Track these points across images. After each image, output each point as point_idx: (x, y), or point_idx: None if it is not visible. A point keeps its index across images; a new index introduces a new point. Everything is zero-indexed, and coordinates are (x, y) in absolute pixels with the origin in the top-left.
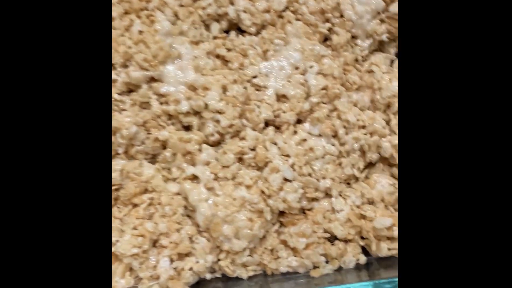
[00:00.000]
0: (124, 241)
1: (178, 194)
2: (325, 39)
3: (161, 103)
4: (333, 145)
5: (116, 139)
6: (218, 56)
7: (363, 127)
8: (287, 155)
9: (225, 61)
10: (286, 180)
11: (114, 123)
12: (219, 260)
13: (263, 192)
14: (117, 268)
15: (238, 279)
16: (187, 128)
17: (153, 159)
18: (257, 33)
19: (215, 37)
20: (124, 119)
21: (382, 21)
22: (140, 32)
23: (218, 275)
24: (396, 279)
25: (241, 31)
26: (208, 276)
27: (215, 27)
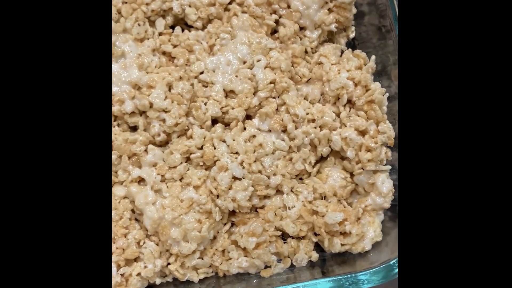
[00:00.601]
0: None
1: (125, 197)
2: (273, 32)
3: None
4: (283, 140)
5: None
6: (163, 53)
7: (313, 120)
8: (236, 153)
9: (171, 57)
10: (235, 178)
11: None
12: (168, 264)
13: (211, 192)
14: None
15: (189, 282)
16: (133, 128)
17: None
18: (203, 27)
19: (160, 34)
20: None
21: (330, 10)
22: None
23: (169, 279)
24: (350, 276)
25: (187, 26)
26: (158, 281)
27: (160, 23)
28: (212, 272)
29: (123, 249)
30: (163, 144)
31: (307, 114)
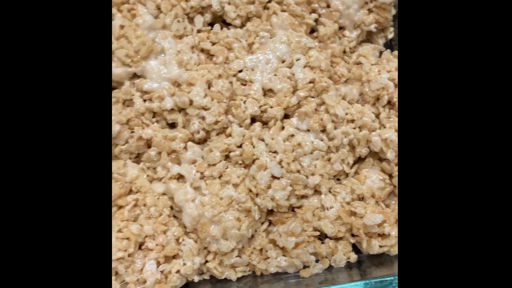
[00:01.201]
0: None
1: (164, 194)
2: (312, 31)
3: (145, 100)
4: (322, 140)
5: None
6: (202, 50)
7: (352, 121)
8: (275, 152)
9: (209, 55)
10: (274, 177)
11: None
12: (206, 261)
13: (250, 190)
14: None
15: (227, 280)
16: (172, 125)
17: (137, 158)
18: (242, 25)
19: (199, 31)
20: None
21: (370, 10)
22: (122, 26)
23: (206, 277)
24: (388, 278)
25: (225, 24)
26: (196, 278)
27: (199, 20)
28: (249, 270)
29: (163, 245)
30: (201, 142)
31: (346, 114)
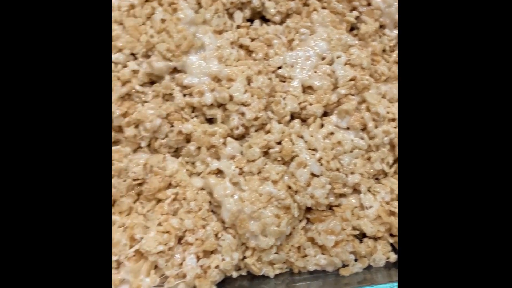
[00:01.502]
0: (149, 238)
1: (202, 189)
2: (352, 28)
3: (184, 95)
4: (362, 138)
5: (139, 132)
6: (241, 46)
7: (393, 120)
8: (314, 149)
9: (248, 51)
10: (313, 175)
11: (137, 115)
12: (244, 257)
13: (289, 187)
14: (142, 266)
15: (264, 277)
16: (210, 120)
17: (176, 152)
18: (281, 22)
19: (238, 26)
20: (147, 111)
21: None
22: (163, 20)
23: (243, 273)
24: None
25: (264, 20)
26: (235, 274)
27: (238, 16)
28: (287, 268)
29: (202, 240)
30: (239, 138)
31: (387, 113)
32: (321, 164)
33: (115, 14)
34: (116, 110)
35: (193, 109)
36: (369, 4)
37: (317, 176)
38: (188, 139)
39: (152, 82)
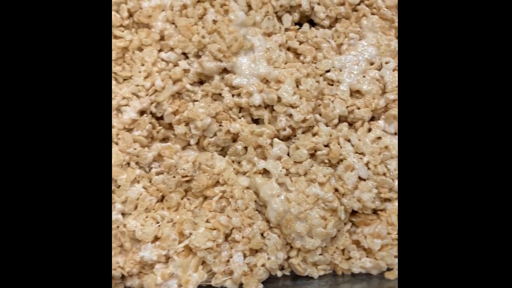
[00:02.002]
0: (198, 234)
1: (247, 188)
2: None
3: (233, 95)
4: None
5: (190, 130)
6: (289, 49)
7: None
8: (362, 153)
9: (296, 54)
10: (360, 178)
11: (188, 114)
12: (289, 257)
13: (336, 190)
14: (190, 262)
15: (307, 277)
16: (256, 121)
17: (222, 151)
18: (330, 26)
19: (286, 29)
20: (198, 110)
21: None
22: (214, 21)
23: (286, 272)
24: None
25: (312, 24)
26: (279, 273)
27: (287, 19)
28: (330, 269)
29: (249, 238)
30: (285, 139)
31: None
32: (369, 168)
33: (167, 14)
34: (168, 107)
35: (240, 109)
36: None
37: (364, 180)
38: (235, 139)
39: (200, 82)
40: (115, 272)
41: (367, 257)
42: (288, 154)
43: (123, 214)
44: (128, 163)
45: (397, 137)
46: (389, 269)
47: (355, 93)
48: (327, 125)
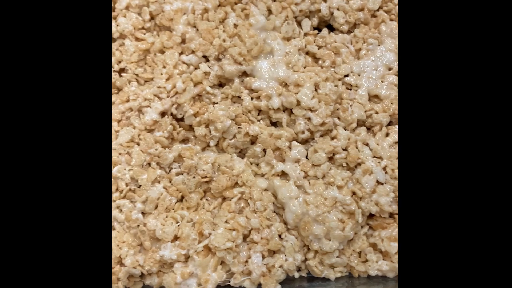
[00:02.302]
0: (218, 234)
1: (265, 190)
2: None
3: (252, 98)
4: None
5: (210, 132)
6: (307, 53)
7: None
8: (380, 157)
9: (315, 58)
10: (378, 182)
11: (209, 116)
12: (306, 259)
13: (354, 193)
14: (209, 261)
15: (324, 279)
16: (275, 124)
17: (241, 153)
18: (349, 31)
19: (306, 34)
20: (218, 112)
21: None
22: (235, 25)
23: (303, 274)
24: None
25: (330, 29)
26: (297, 274)
27: (307, 24)
28: (346, 271)
29: (267, 239)
30: (303, 142)
31: None
32: (386, 172)
33: (189, 17)
34: (189, 109)
35: (259, 112)
36: None
37: (382, 183)
38: (253, 141)
39: (220, 84)
40: (135, 270)
41: (383, 260)
42: (306, 157)
43: (144, 213)
44: (149, 164)
45: None
46: None
47: (373, 97)
48: (345, 129)
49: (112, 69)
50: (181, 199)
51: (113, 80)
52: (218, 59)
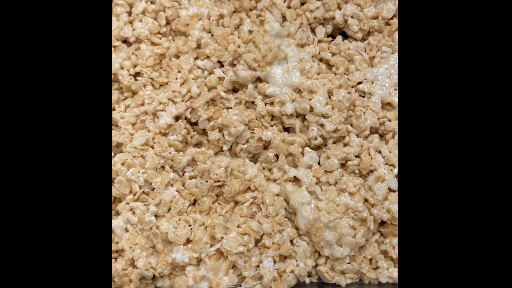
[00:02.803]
0: (230, 238)
1: (277, 195)
2: None
3: (266, 104)
4: None
5: (223, 136)
6: (321, 60)
7: None
8: (392, 165)
9: (329, 65)
10: (390, 190)
11: (222, 120)
12: (317, 265)
13: (366, 200)
14: (221, 265)
15: (334, 285)
16: (287, 129)
17: (253, 158)
18: (363, 39)
19: (320, 41)
20: (232, 117)
21: None
22: (250, 31)
23: (313, 279)
24: None
25: (344, 36)
26: (307, 280)
27: (321, 31)
28: (357, 278)
29: (279, 244)
30: (315, 148)
31: None
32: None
33: (204, 23)
34: (203, 114)
35: (272, 117)
36: None
37: (394, 191)
38: (266, 146)
39: (234, 90)
40: (147, 273)
41: (394, 267)
42: (318, 163)
43: (157, 216)
44: (163, 167)
45: None
46: None
47: (386, 105)
48: (358, 136)
49: (128, 73)
50: (194, 202)
51: (128, 84)
52: (232, 65)
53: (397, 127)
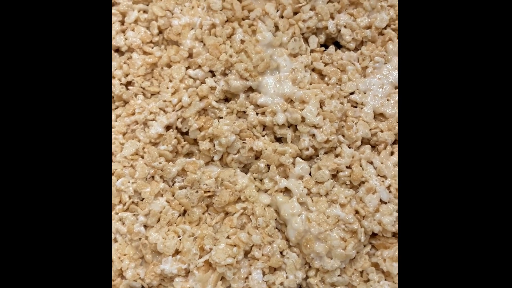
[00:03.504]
0: (219, 249)
1: (268, 206)
2: None
3: (257, 113)
4: None
5: (214, 146)
6: (313, 70)
7: None
8: (384, 176)
9: (321, 75)
10: (381, 201)
11: (213, 130)
12: (307, 277)
13: (357, 212)
14: (210, 277)
15: None
16: (279, 139)
17: (244, 168)
18: (355, 49)
19: (312, 51)
20: (223, 127)
21: None
22: (242, 41)
23: None
24: None
25: (337, 46)
26: None
27: (313, 41)
28: None
29: (269, 256)
30: (307, 159)
31: None
32: (390, 192)
33: (196, 32)
34: (194, 123)
35: (264, 127)
36: None
37: (385, 203)
38: (257, 156)
39: (226, 99)
40: (135, 284)
41: (385, 280)
42: (310, 174)
43: (146, 226)
44: (153, 177)
45: None
46: None
47: (379, 116)
48: (349, 147)
49: (119, 82)
50: (184, 213)
51: (119, 93)
52: (224, 74)
53: (389, 138)
